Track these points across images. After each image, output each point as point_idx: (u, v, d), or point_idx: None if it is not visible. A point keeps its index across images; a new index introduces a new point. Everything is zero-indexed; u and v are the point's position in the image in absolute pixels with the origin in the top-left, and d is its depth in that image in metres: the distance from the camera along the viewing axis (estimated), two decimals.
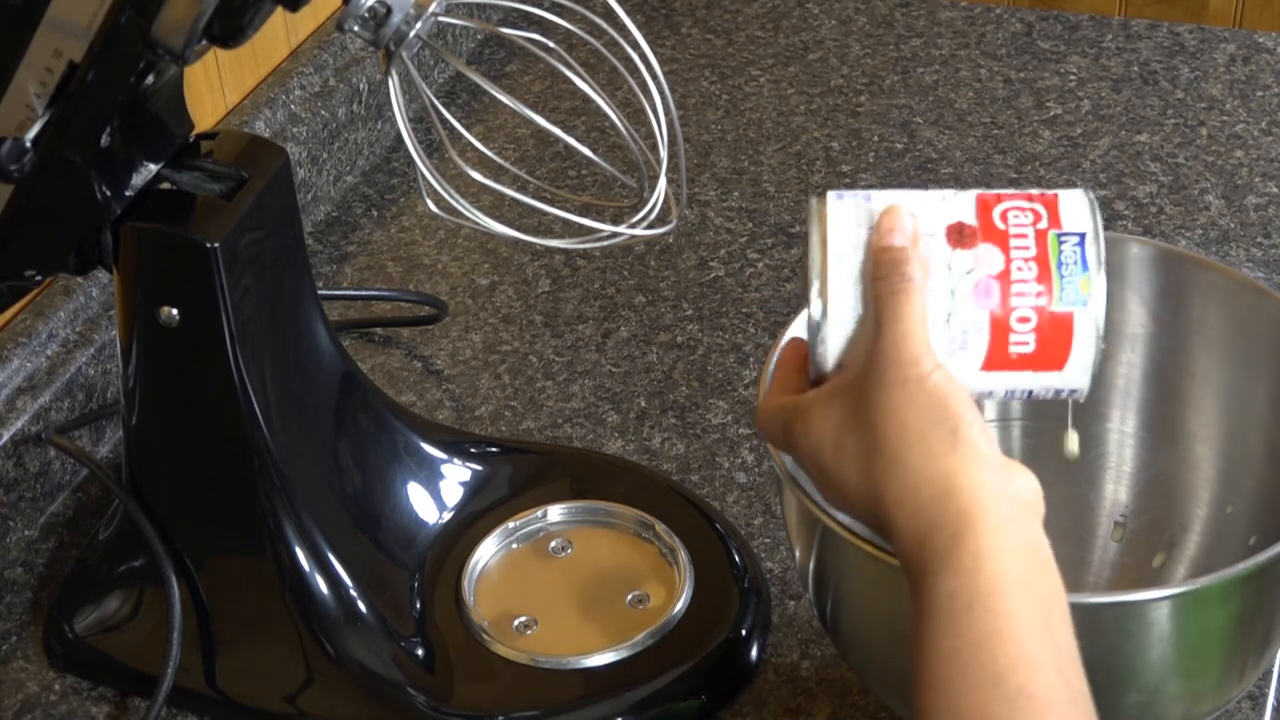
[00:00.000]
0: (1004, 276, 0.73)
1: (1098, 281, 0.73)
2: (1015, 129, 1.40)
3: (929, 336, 0.72)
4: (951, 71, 1.48)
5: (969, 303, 0.73)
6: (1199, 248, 1.25)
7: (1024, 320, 0.73)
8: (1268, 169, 1.34)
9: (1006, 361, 0.73)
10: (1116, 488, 0.96)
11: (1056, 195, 0.75)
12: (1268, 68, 1.46)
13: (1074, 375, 0.74)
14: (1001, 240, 0.73)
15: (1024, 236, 0.73)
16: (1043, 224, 0.74)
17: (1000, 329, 0.73)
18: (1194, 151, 1.36)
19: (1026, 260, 0.73)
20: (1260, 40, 1.50)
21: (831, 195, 0.75)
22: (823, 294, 0.74)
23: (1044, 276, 0.73)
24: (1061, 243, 0.73)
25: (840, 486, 0.73)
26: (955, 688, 0.66)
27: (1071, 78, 1.46)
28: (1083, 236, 0.73)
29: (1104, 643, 0.74)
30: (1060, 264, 0.73)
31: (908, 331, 0.71)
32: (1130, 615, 0.76)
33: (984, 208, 0.74)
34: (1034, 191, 0.75)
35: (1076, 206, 0.74)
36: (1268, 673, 0.92)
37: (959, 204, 0.75)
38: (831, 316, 0.74)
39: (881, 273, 0.72)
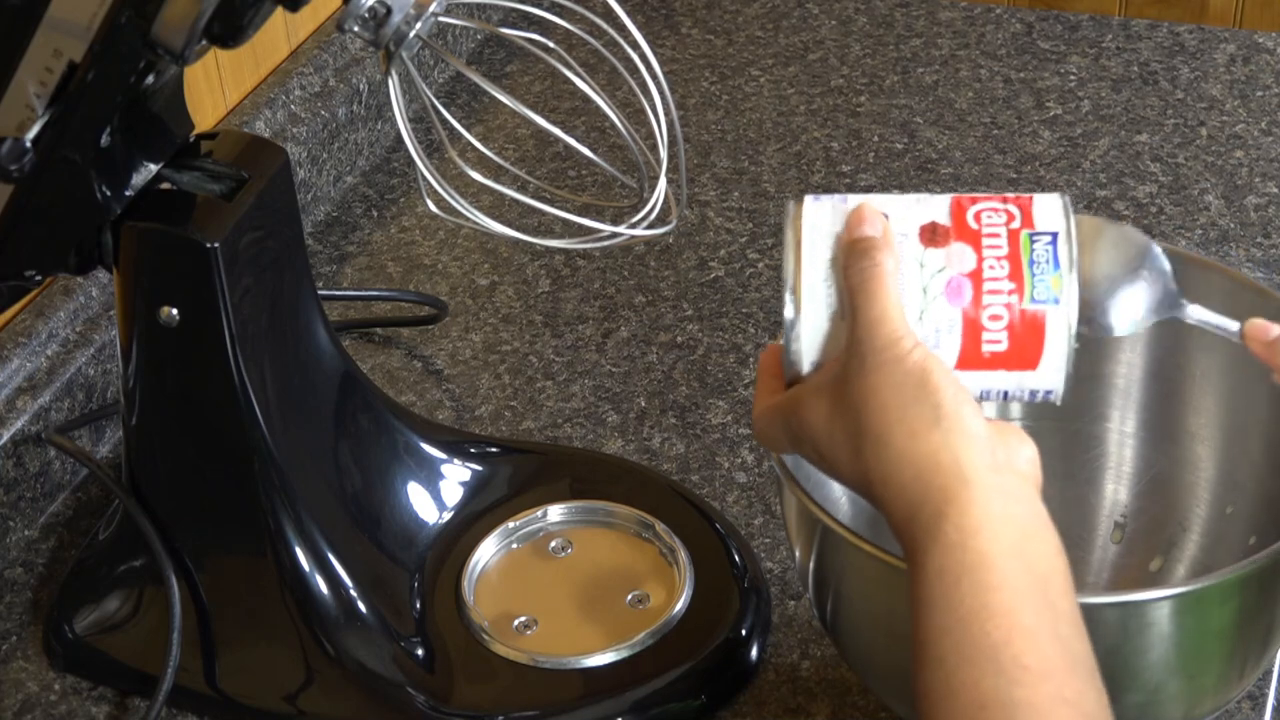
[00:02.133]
0: (976, 275, 0.73)
1: (1069, 280, 0.73)
2: (1015, 129, 1.40)
3: (905, 320, 0.72)
4: (951, 71, 1.48)
5: (941, 300, 0.73)
6: (1199, 248, 1.25)
7: (996, 318, 0.73)
8: (1268, 169, 1.34)
9: (980, 360, 0.74)
10: (1116, 488, 0.96)
11: (1031, 198, 0.75)
12: (1268, 68, 1.46)
13: (1048, 375, 0.74)
14: (974, 239, 0.73)
15: (996, 236, 0.73)
16: (1015, 224, 0.74)
17: (972, 327, 0.73)
18: (1194, 151, 1.36)
19: (999, 259, 0.73)
20: (1260, 40, 1.50)
21: (808, 199, 0.76)
22: (795, 291, 0.74)
23: (1015, 274, 0.73)
24: (1034, 241, 0.73)
25: (837, 473, 0.73)
26: (950, 664, 0.66)
27: (1071, 78, 1.46)
28: (1055, 236, 0.74)
29: (1104, 643, 0.74)
30: (1032, 262, 0.73)
31: (882, 315, 0.71)
32: (1130, 615, 0.76)
33: (958, 209, 0.75)
34: (1010, 195, 0.75)
35: (1050, 208, 0.75)
36: (1268, 673, 0.92)
37: (933, 205, 0.75)
38: (805, 313, 0.74)
39: (852, 262, 0.72)
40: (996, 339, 0.73)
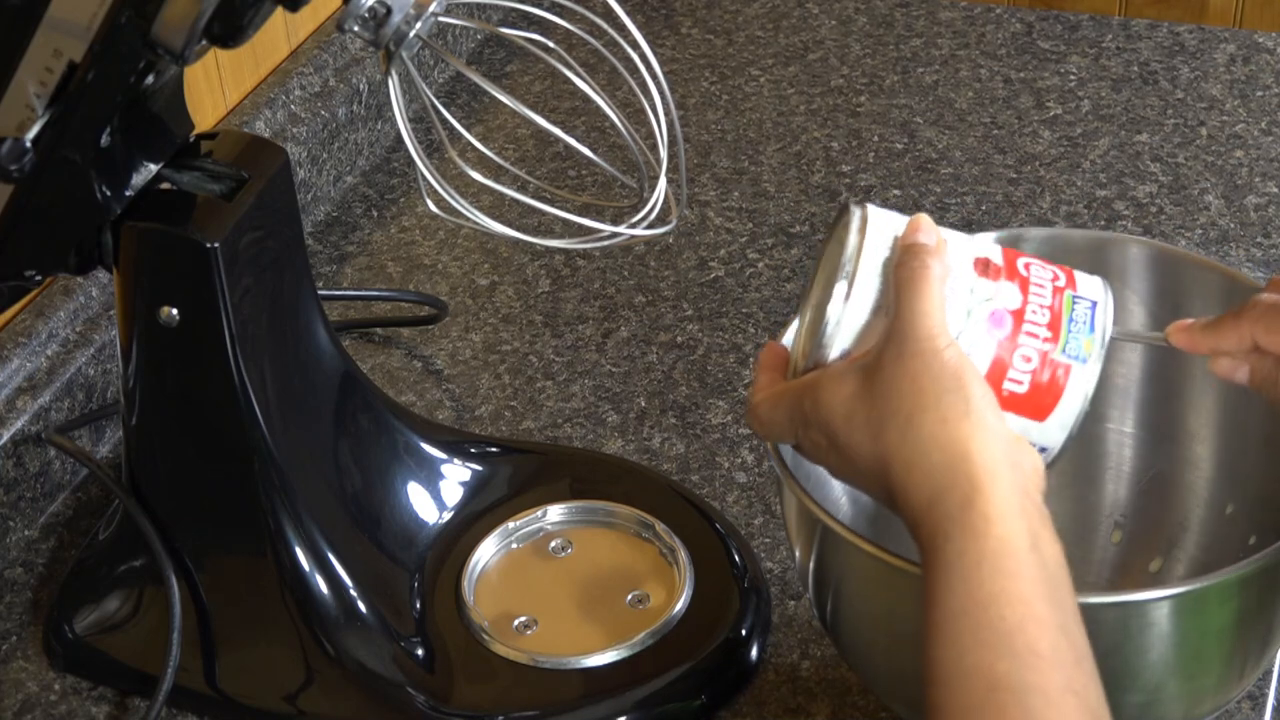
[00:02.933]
0: (1019, 314, 0.75)
1: (1099, 349, 0.76)
2: (1015, 129, 1.40)
3: (945, 322, 0.73)
4: (951, 71, 1.48)
5: (982, 327, 0.75)
6: (1199, 248, 1.25)
7: (1026, 359, 0.75)
8: (1268, 169, 1.34)
9: (996, 398, 0.75)
10: (1116, 488, 0.96)
11: (1072, 270, 0.78)
12: (1268, 68, 1.46)
13: (1052, 431, 0.76)
14: (1023, 284, 0.76)
15: (1042, 287, 0.76)
16: (1060, 283, 0.77)
17: (1001, 362, 0.75)
18: (1194, 151, 1.36)
19: (1041, 306, 0.76)
20: (1260, 40, 1.50)
21: (870, 204, 0.78)
22: (851, 277, 0.75)
23: (1054, 325, 0.76)
24: (1075, 303, 0.76)
25: (850, 457, 0.74)
26: (964, 645, 0.67)
27: (1071, 78, 1.46)
28: (1094, 304, 0.77)
29: (1104, 643, 0.74)
30: (1071, 319, 0.76)
31: (926, 310, 0.73)
32: (1130, 615, 0.76)
33: (1009, 254, 0.77)
34: (1053, 261, 0.79)
35: (1092, 282, 0.78)
36: (1268, 673, 0.92)
37: (986, 244, 0.78)
38: (853, 300, 0.75)
39: (905, 259, 0.75)
40: (1018, 380, 0.75)
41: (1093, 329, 0.76)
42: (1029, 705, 0.65)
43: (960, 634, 0.67)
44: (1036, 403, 0.76)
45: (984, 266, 0.76)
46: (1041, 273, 0.77)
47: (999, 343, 0.75)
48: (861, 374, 0.73)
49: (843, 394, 0.74)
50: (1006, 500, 0.69)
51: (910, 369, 0.72)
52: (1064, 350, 0.75)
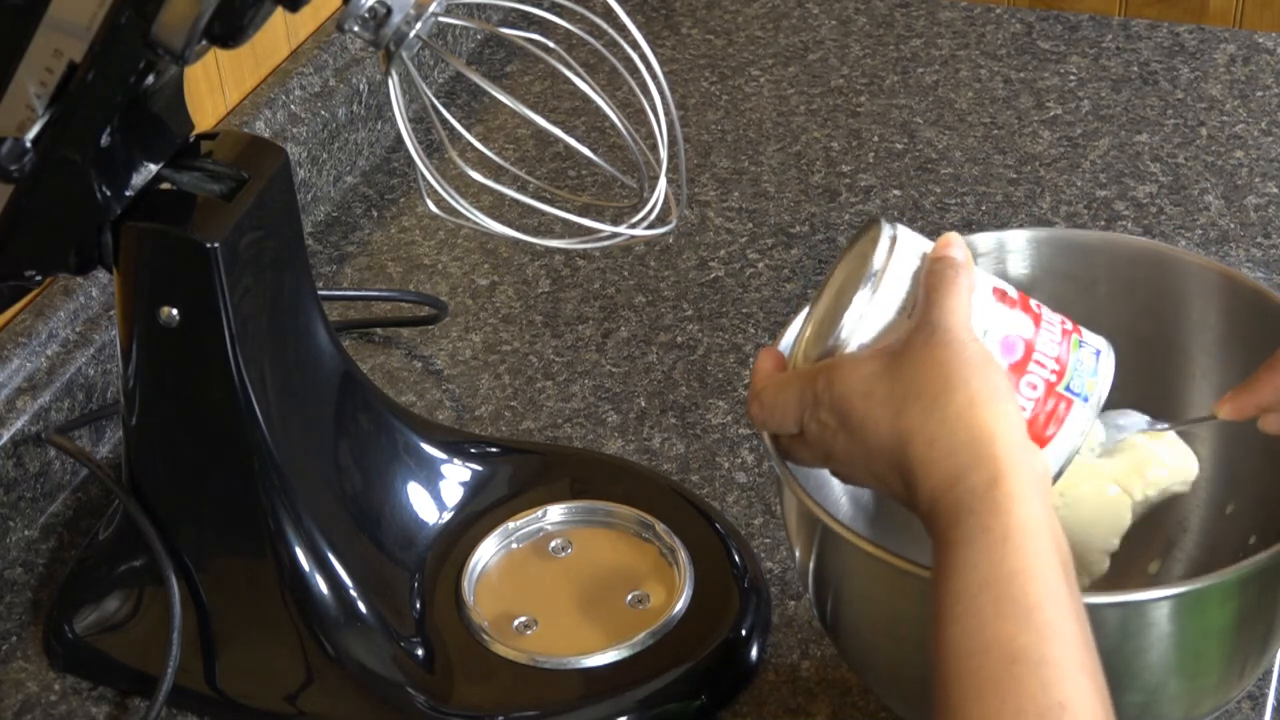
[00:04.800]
0: (1030, 344, 0.78)
1: (1099, 393, 0.79)
2: (1015, 129, 1.40)
3: (971, 323, 0.75)
4: (951, 71, 1.48)
5: (995, 349, 0.77)
6: (1199, 248, 1.25)
7: (1032, 386, 0.77)
8: (1268, 169, 1.34)
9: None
10: None
11: (1078, 325, 0.81)
12: (1268, 68, 1.46)
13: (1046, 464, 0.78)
14: (1035, 319, 0.79)
15: (1053, 325, 0.79)
16: (1068, 327, 0.80)
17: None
18: (1194, 151, 1.36)
19: (1051, 341, 0.78)
20: (1260, 40, 1.50)
21: (900, 223, 0.81)
22: (879, 276, 0.77)
23: (1061, 360, 0.78)
24: (1081, 345, 0.79)
25: (864, 436, 0.74)
26: (984, 617, 0.67)
27: (1071, 78, 1.46)
28: (1099, 351, 0.79)
29: (1104, 643, 0.74)
30: (1077, 360, 0.78)
31: (955, 308, 0.75)
32: (1130, 615, 0.76)
33: (1022, 294, 0.80)
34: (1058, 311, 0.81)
35: (1096, 336, 0.80)
36: (1268, 673, 0.92)
37: (1002, 281, 0.80)
38: (879, 297, 0.77)
39: (935, 267, 0.77)
40: (1022, 406, 0.77)
41: (1095, 373, 0.78)
42: (1046, 678, 0.66)
43: (982, 607, 0.68)
44: (1036, 433, 0.77)
45: (1001, 295, 0.79)
46: (1052, 315, 0.79)
47: (1009, 366, 0.77)
48: (886, 357, 0.75)
49: (863, 373, 0.75)
50: (1029, 484, 0.70)
51: (938, 355, 0.73)
52: (1068, 385, 0.77)
